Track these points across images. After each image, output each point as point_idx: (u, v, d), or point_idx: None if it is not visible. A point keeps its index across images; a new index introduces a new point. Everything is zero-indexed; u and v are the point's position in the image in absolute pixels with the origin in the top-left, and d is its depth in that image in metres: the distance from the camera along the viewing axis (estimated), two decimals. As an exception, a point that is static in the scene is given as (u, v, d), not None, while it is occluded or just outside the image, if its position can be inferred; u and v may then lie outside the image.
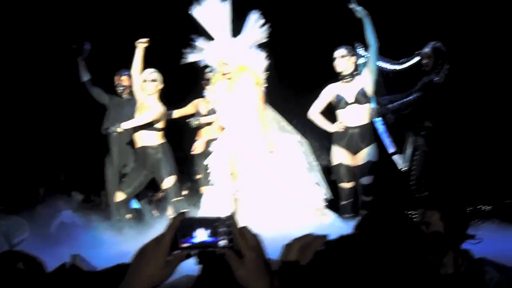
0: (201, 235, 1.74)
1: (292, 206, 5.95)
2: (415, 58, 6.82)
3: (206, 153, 6.48)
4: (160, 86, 6.76)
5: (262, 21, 6.20)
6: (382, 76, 6.78)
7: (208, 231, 1.76)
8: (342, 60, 6.45)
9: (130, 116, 6.72)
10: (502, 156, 7.42)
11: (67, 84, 8.15)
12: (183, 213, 1.77)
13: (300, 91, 7.83)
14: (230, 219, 1.76)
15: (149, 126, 6.65)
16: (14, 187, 8.04)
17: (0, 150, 8.49)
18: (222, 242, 1.75)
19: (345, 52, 6.45)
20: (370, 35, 6.27)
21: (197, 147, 6.72)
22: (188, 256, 1.75)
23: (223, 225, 1.76)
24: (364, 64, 6.56)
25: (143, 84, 6.69)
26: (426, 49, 6.68)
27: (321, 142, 6.83)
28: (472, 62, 7.44)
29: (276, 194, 5.99)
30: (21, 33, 8.75)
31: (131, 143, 6.95)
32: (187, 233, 1.73)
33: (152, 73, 6.75)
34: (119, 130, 6.56)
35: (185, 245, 1.73)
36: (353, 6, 6.29)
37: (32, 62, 8.85)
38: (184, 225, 1.75)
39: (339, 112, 6.48)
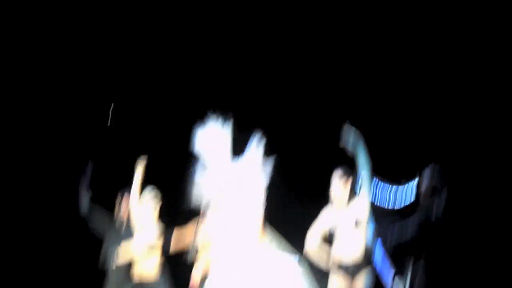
0: None
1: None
2: (415, 180, 6.97)
3: (205, 282, 6.55)
4: (158, 205, 6.95)
5: (263, 142, 6.35)
6: (381, 199, 6.95)
7: None
8: (339, 182, 6.61)
9: (129, 244, 6.86)
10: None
11: (65, 211, 8.30)
12: None
13: (303, 212, 7.98)
14: None
15: (147, 254, 6.77)
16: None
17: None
18: None
19: (342, 174, 6.62)
20: (362, 160, 6.47)
21: (194, 280, 6.79)
22: None
23: None
24: (360, 187, 6.73)
25: (142, 205, 6.88)
26: (425, 176, 6.83)
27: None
28: (472, 187, 7.63)
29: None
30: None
31: (129, 275, 7.02)
32: None
33: (151, 193, 6.95)
34: (114, 266, 6.68)
35: None
36: (345, 142, 6.51)
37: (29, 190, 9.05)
38: None
39: (335, 236, 6.59)
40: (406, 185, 7.11)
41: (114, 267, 7.04)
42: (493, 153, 8.07)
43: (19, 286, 8.79)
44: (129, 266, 6.92)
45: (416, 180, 7.02)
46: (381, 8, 8.81)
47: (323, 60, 9.18)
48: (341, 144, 6.59)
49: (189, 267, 7.19)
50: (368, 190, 6.60)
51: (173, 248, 7.30)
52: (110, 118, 8.38)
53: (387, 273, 7.02)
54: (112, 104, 9.16)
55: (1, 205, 8.98)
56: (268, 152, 6.37)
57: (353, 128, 6.63)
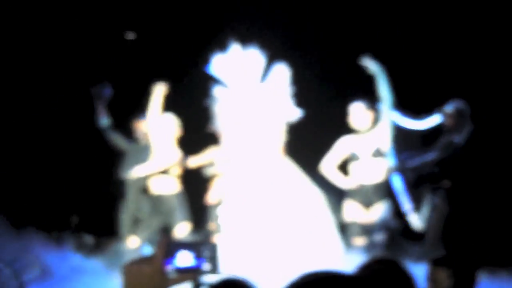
0: (186, 257, 1.93)
1: (307, 254, 6.07)
2: (437, 115, 6.98)
3: (219, 203, 6.67)
4: (177, 132, 7.06)
5: (287, 71, 6.39)
6: (402, 132, 7.01)
7: (193, 253, 1.96)
8: (358, 114, 6.70)
9: (147, 162, 7.00)
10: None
11: (85, 128, 8.39)
12: (168, 236, 1.99)
13: (321, 145, 8.05)
14: (214, 244, 1.98)
15: (164, 172, 6.92)
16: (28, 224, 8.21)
17: (16, 190, 8.70)
18: (206, 266, 1.94)
19: (362, 106, 6.71)
20: (384, 90, 6.56)
21: (212, 197, 6.93)
22: None
23: (207, 249, 1.97)
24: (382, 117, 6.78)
25: (160, 129, 6.98)
26: (448, 109, 6.86)
27: (338, 197, 7.00)
28: (495, 124, 7.65)
29: (292, 242, 6.12)
30: (38, 75, 9.04)
31: (147, 189, 7.20)
32: (171, 254, 1.94)
33: (169, 119, 7.05)
34: (134, 175, 6.83)
35: (170, 266, 1.93)
36: (365, 62, 6.57)
37: (48, 104, 9.13)
38: (170, 247, 1.96)
39: (353, 166, 6.71)
40: (427, 120, 7.10)
41: (132, 181, 7.16)
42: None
43: (40, 195, 8.94)
44: (146, 179, 7.06)
45: (438, 115, 7.02)
46: None
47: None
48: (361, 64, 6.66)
49: (206, 182, 7.36)
50: (389, 122, 6.68)
51: (191, 164, 7.47)
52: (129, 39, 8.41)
53: (405, 206, 7.13)
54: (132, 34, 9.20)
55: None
56: (290, 80, 6.43)
57: (374, 60, 6.69)
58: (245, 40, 6.50)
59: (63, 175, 9.04)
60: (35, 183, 8.92)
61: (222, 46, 6.50)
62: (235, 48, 6.47)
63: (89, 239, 8.47)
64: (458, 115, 6.83)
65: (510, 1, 8.12)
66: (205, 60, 6.56)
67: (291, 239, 6.10)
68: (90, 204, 8.98)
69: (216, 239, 7.18)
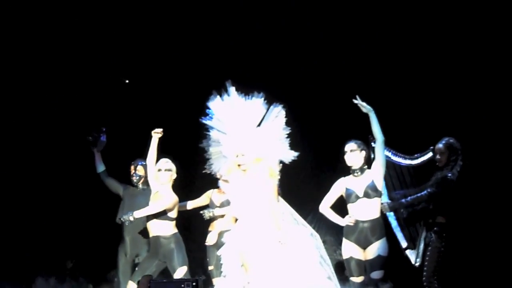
0: None
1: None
2: (429, 153, 7.17)
3: (218, 245, 6.77)
4: (174, 175, 7.23)
5: (283, 114, 6.48)
6: (395, 170, 7.18)
7: None
8: (352, 155, 6.89)
9: (144, 206, 7.15)
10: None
11: (82, 173, 8.53)
12: (149, 275, 2.09)
13: (316, 186, 8.16)
14: (196, 281, 2.08)
15: (162, 215, 7.05)
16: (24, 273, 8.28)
17: (12, 235, 8.78)
18: None
19: (355, 146, 6.92)
20: (375, 129, 6.78)
21: (210, 239, 7.02)
22: None
23: (189, 286, 2.06)
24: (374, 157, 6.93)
25: (158, 173, 7.17)
26: (440, 145, 7.07)
27: (336, 237, 7.09)
28: (486, 158, 7.81)
29: (286, 287, 6.19)
30: (37, 122, 9.20)
31: (145, 232, 7.32)
32: None
33: (167, 163, 7.22)
34: (132, 218, 6.93)
35: None
36: (357, 102, 6.75)
37: (47, 150, 9.26)
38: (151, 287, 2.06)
39: (349, 206, 6.88)
40: (420, 158, 7.26)
41: (129, 225, 7.24)
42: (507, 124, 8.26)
43: (37, 240, 9.02)
44: (144, 221, 7.21)
45: (430, 153, 7.18)
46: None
47: (336, 34, 9.31)
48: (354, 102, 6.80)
49: (204, 224, 7.45)
50: (382, 161, 6.84)
51: (189, 207, 7.70)
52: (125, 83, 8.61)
53: (401, 244, 7.23)
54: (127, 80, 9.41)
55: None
56: (286, 123, 6.50)
57: (366, 99, 6.86)
58: (243, 84, 6.61)
59: (61, 219, 9.13)
60: (31, 227, 8.99)
61: (219, 89, 6.60)
62: (232, 91, 6.55)
63: (86, 284, 8.53)
64: (450, 151, 7.02)
65: (495, 41, 8.34)
66: (203, 104, 6.66)
67: (284, 281, 6.16)
68: (88, 248, 9.04)
69: (214, 281, 7.33)
